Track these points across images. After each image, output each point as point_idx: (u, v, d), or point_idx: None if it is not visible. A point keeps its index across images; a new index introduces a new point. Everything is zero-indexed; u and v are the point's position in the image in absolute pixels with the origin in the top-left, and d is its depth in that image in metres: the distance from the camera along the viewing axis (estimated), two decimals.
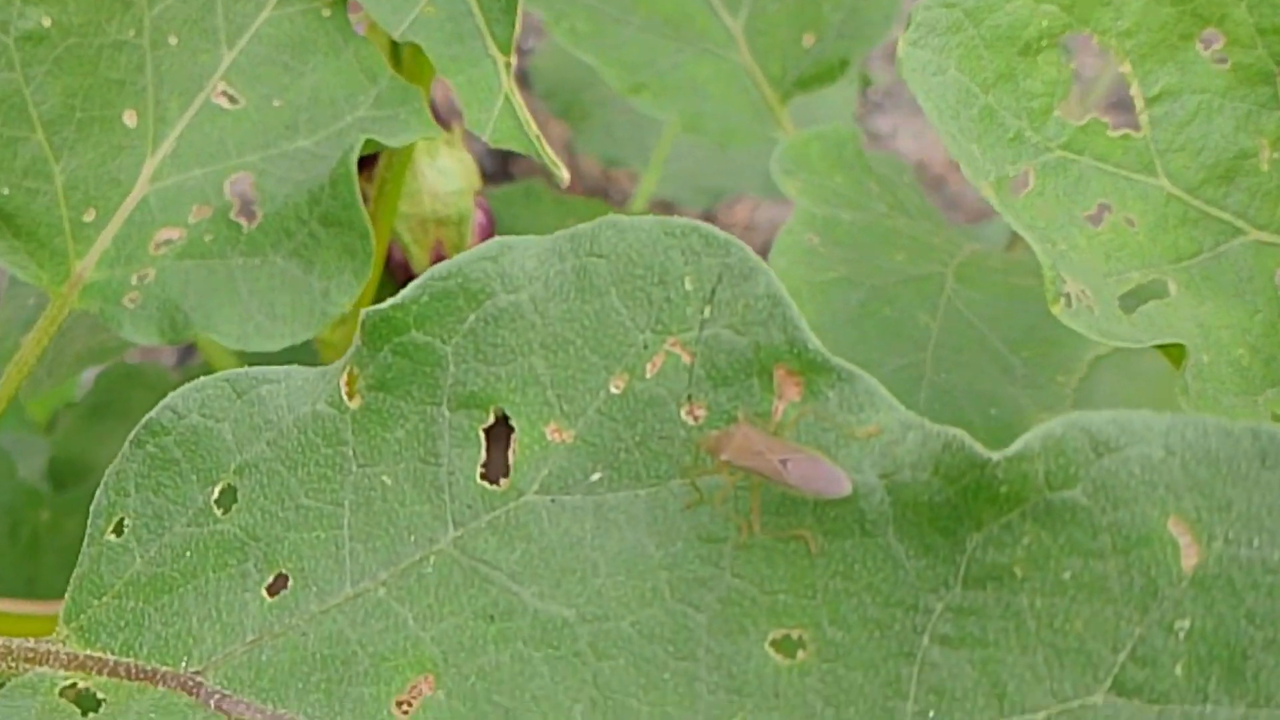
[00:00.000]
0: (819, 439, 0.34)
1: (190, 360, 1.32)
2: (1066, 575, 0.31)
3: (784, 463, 0.33)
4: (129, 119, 0.58)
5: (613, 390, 0.36)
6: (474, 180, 0.85)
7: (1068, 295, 0.52)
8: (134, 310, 0.56)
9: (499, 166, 1.53)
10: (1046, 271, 0.52)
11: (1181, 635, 0.30)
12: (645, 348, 0.35)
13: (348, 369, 0.38)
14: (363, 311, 0.37)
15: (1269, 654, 0.30)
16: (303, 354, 0.75)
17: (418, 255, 0.84)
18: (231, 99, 0.60)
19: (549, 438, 0.36)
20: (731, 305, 0.35)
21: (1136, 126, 0.56)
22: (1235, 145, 0.56)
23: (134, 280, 0.56)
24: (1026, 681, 0.31)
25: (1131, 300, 0.54)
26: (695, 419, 0.35)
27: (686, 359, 0.35)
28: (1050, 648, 0.31)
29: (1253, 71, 0.56)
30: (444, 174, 0.84)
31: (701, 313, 0.35)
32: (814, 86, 0.90)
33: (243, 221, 0.58)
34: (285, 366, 0.39)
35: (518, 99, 0.62)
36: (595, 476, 0.35)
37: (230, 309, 0.56)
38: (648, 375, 0.35)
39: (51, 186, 0.56)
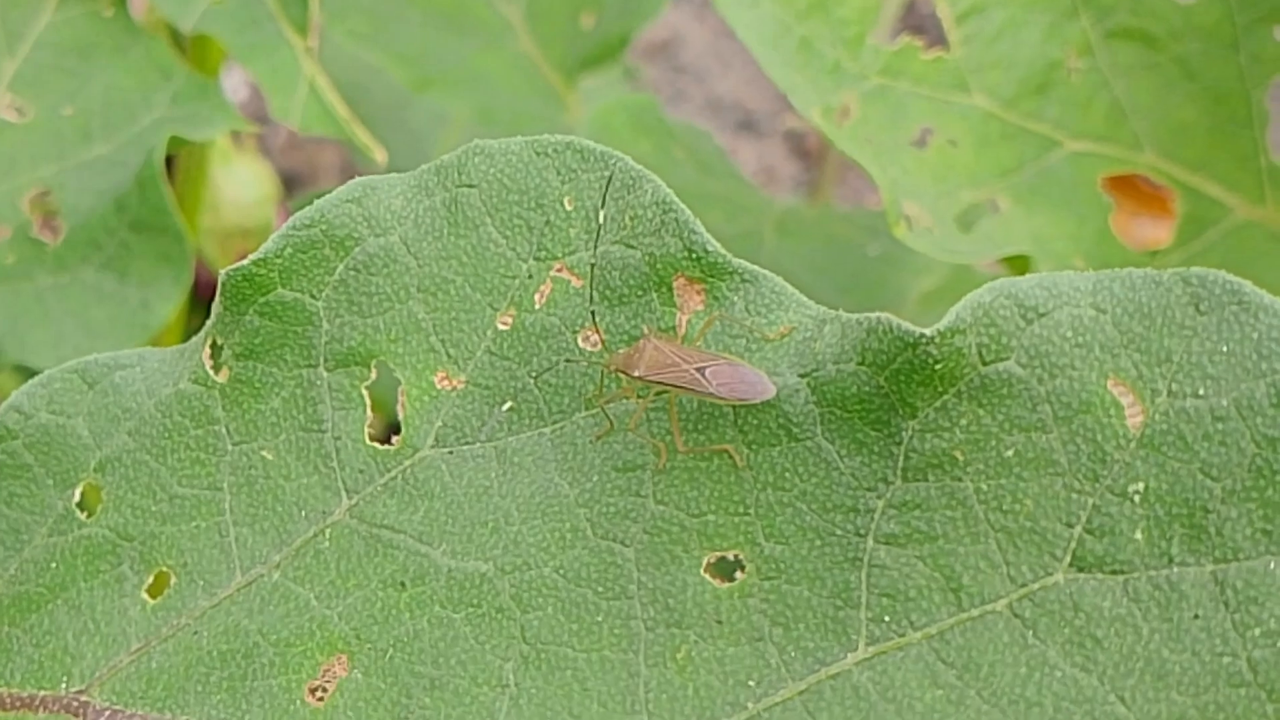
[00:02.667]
0: (730, 346, 0.32)
1: None
2: (1010, 453, 0.30)
3: (701, 370, 0.31)
4: None
5: (500, 327, 0.33)
6: (273, 188, 0.83)
7: (907, 218, 0.52)
8: None
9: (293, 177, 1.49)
10: (885, 196, 0.52)
11: (1137, 499, 0.29)
12: (530, 277, 0.33)
13: (209, 339, 0.35)
14: (222, 272, 0.34)
15: (1230, 505, 0.28)
16: None
17: (223, 268, 0.81)
18: (19, 111, 0.57)
19: (438, 386, 0.33)
20: (618, 219, 0.33)
21: (948, 46, 0.56)
22: (1044, 57, 0.56)
23: None
24: (982, 571, 0.30)
25: (965, 223, 0.55)
26: (594, 345, 0.33)
27: (576, 283, 0.33)
28: (1002, 532, 0.30)
29: None
30: (243, 184, 0.82)
31: (587, 232, 0.33)
32: (597, 66, 0.90)
33: (46, 238, 0.54)
34: (139, 349, 0.36)
35: (322, 82, 0.60)
36: (505, 417, 0.32)
37: (43, 331, 0.53)
38: (537, 306, 0.33)
39: None
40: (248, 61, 0.60)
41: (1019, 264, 0.53)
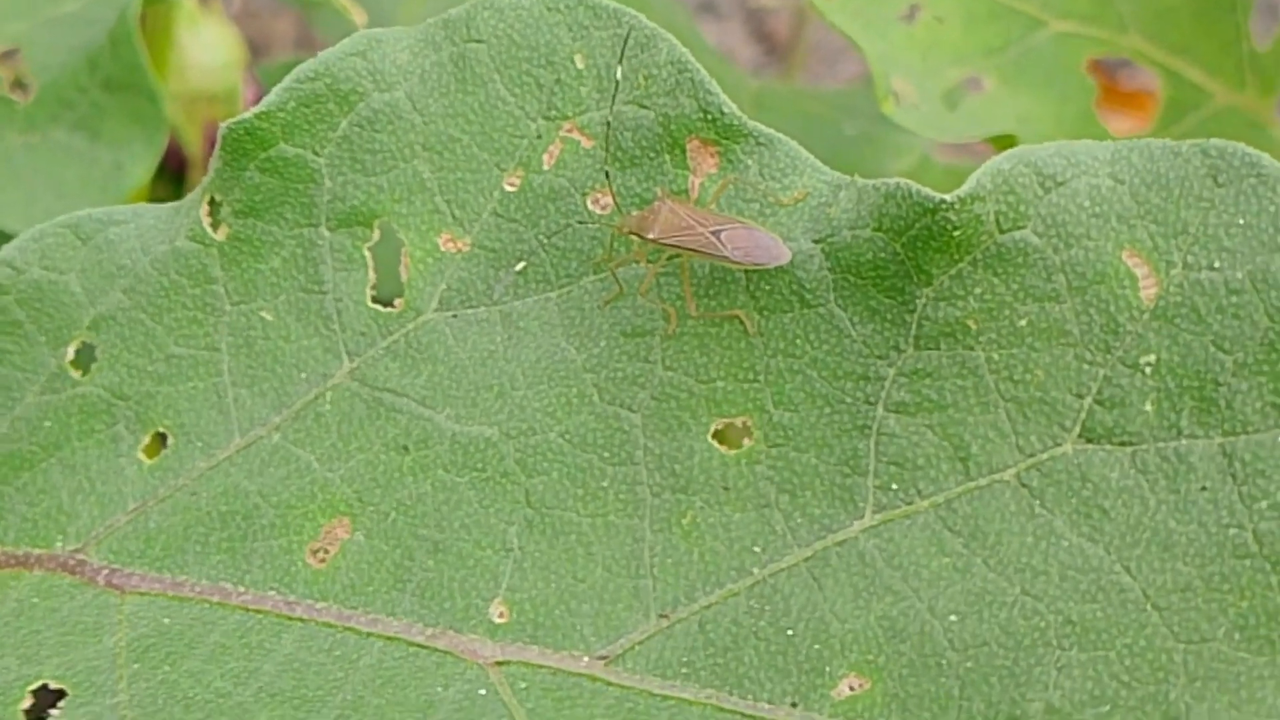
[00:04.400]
0: (743, 210, 0.31)
1: None
2: (1023, 323, 0.30)
3: (717, 234, 0.30)
4: None
5: (507, 188, 0.33)
6: (240, 53, 0.81)
7: (895, 94, 0.52)
8: None
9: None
10: (875, 70, 0.52)
11: (1148, 371, 0.29)
12: (539, 137, 0.33)
13: (208, 196, 0.34)
14: (222, 125, 0.33)
15: (1241, 378, 0.29)
16: None
17: (189, 136, 0.80)
18: None
19: (443, 248, 0.33)
20: (631, 78, 0.32)
21: None
22: None
23: None
24: (990, 440, 0.30)
25: (952, 99, 0.55)
26: (603, 208, 0.32)
27: (586, 144, 0.32)
28: (1012, 401, 0.30)
29: None
30: (208, 48, 0.80)
31: (599, 91, 0.32)
32: None
33: (16, 96, 0.53)
34: (133, 205, 0.35)
35: None
36: (512, 278, 0.32)
37: (12, 191, 0.52)
38: (545, 167, 0.33)
39: None
40: None
41: (1004, 143, 0.53)
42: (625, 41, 0.31)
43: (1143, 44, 0.57)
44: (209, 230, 0.34)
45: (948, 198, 0.29)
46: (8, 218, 0.52)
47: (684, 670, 0.30)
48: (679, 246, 0.31)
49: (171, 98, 0.78)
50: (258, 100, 0.83)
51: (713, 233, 0.30)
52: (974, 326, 0.30)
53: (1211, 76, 0.57)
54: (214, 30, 0.79)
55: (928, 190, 0.29)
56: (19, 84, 0.55)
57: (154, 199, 0.59)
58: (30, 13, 0.55)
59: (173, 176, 0.81)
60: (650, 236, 0.31)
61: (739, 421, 0.31)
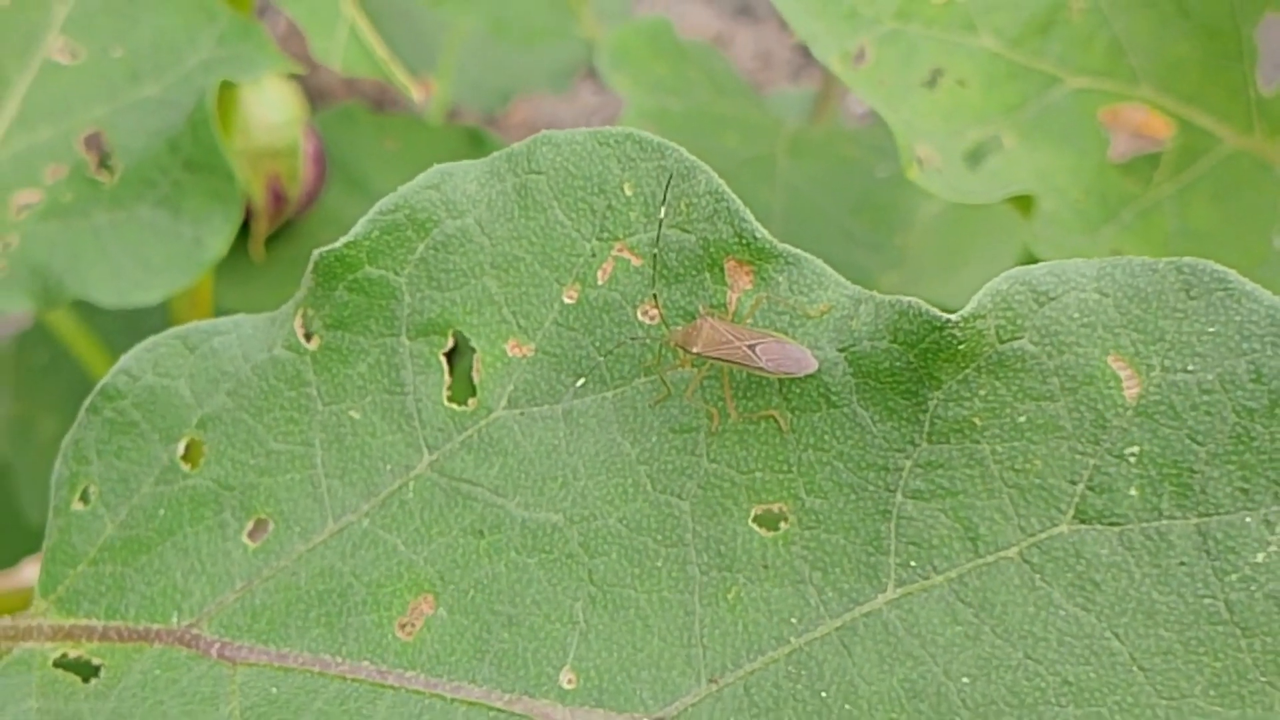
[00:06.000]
0: (775, 322, 0.36)
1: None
2: (1022, 419, 0.34)
3: (752, 348, 0.35)
4: None
5: (567, 301, 0.37)
6: (300, 109, 0.85)
7: (919, 160, 0.55)
8: (2, 279, 0.55)
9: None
10: (899, 138, 0.55)
11: (1132, 460, 0.33)
12: (594, 256, 0.37)
13: (301, 310, 0.38)
14: (315, 252, 0.37)
15: (1213, 467, 0.33)
16: (153, 314, 0.75)
17: (254, 190, 0.84)
18: (71, 53, 0.59)
19: (510, 354, 0.37)
20: (674, 205, 0.36)
21: None
22: None
23: None
24: (996, 522, 0.34)
25: (973, 160, 0.58)
26: (651, 319, 0.37)
27: (636, 262, 0.37)
28: (1014, 488, 0.34)
29: None
30: (271, 106, 0.84)
31: (646, 216, 0.36)
32: None
33: (102, 177, 0.57)
34: (234, 316, 0.39)
35: (362, 24, 0.63)
36: (575, 384, 0.36)
37: (102, 266, 0.56)
38: (599, 282, 0.37)
39: None
40: (288, 3, 0.62)
41: (1024, 203, 0.57)
42: (669, 178, 0.36)
43: (1155, 94, 0.60)
44: (302, 341, 0.38)
45: (952, 317, 0.33)
46: (98, 290, 0.57)
47: None
48: (720, 359, 0.35)
49: (236, 154, 0.83)
50: (317, 150, 0.88)
51: (749, 347, 0.35)
52: (979, 423, 0.34)
53: (1221, 122, 0.60)
54: (275, 89, 0.83)
55: (935, 310, 0.34)
56: (105, 165, 0.59)
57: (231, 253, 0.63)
58: (112, 97, 0.59)
59: (240, 226, 0.86)
60: (694, 350, 0.35)
61: (775, 507, 0.35)
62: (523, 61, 1.17)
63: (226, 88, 0.75)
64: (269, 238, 0.87)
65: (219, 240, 0.57)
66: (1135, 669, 0.33)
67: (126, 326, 0.85)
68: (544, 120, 1.60)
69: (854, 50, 0.58)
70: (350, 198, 0.91)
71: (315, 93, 1.54)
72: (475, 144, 0.97)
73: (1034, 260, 0.55)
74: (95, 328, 0.81)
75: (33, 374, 0.94)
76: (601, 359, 0.37)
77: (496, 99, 1.20)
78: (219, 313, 0.78)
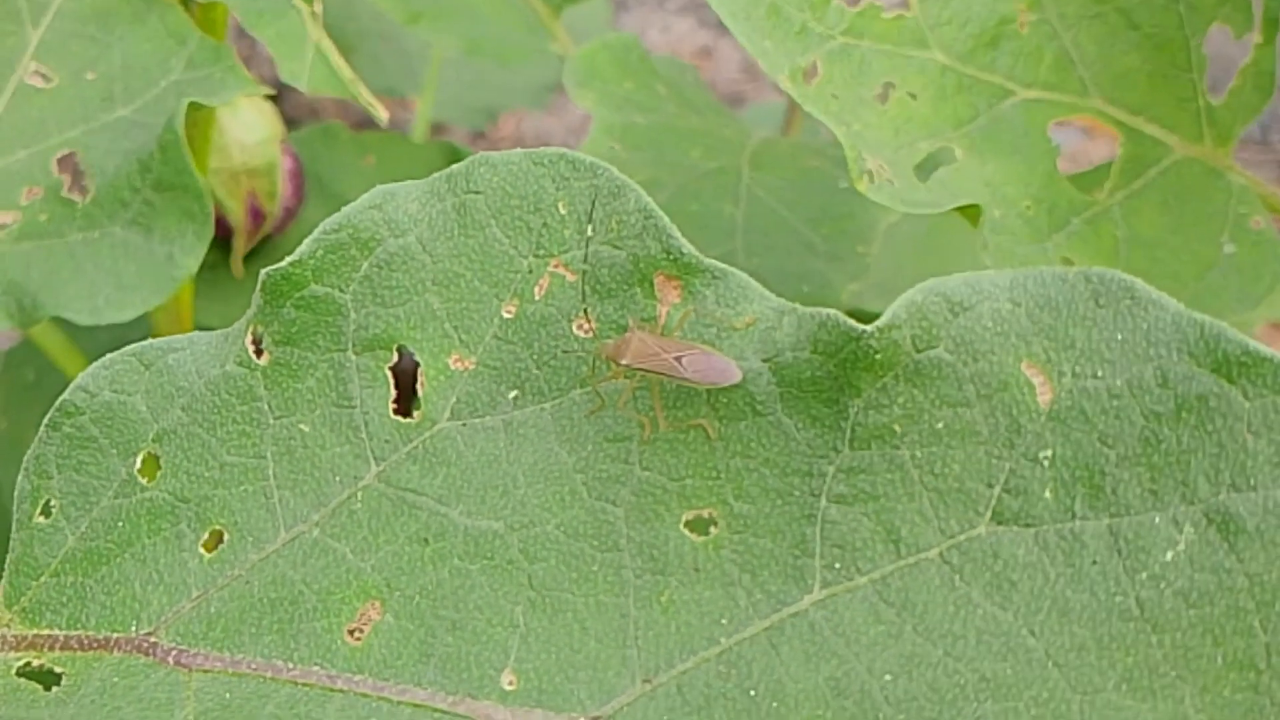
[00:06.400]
0: (702, 334, 0.37)
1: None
2: (940, 425, 0.35)
3: (679, 359, 0.36)
4: None
5: (505, 315, 0.38)
6: (278, 128, 0.86)
7: (869, 172, 0.56)
8: None
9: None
10: (849, 152, 0.56)
11: (1046, 464, 0.34)
12: (530, 272, 0.38)
13: (251, 328, 0.40)
14: (262, 271, 0.39)
15: (1123, 469, 0.34)
16: (137, 330, 0.76)
17: (232, 208, 0.85)
18: (45, 77, 0.60)
19: (452, 367, 0.39)
20: (606, 223, 0.38)
21: (908, 6, 0.60)
22: (996, 13, 0.60)
23: None
24: (917, 525, 0.35)
25: (924, 170, 0.59)
26: (586, 331, 0.38)
27: (570, 278, 0.38)
28: (934, 491, 0.35)
29: None
30: (248, 126, 0.85)
31: (579, 233, 0.38)
32: None
33: (75, 197, 0.58)
34: (187, 334, 0.41)
35: (328, 45, 0.64)
36: (512, 395, 0.37)
37: (77, 285, 0.57)
38: (536, 297, 0.38)
39: None
40: (256, 27, 0.63)
41: (971, 213, 0.58)
42: (595, 193, 0.37)
43: (1104, 105, 0.62)
44: (253, 357, 0.40)
45: (868, 328, 0.35)
46: (73, 309, 0.58)
47: None
48: (648, 370, 0.36)
49: (214, 173, 0.84)
50: (294, 167, 0.89)
51: (675, 358, 0.36)
52: (899, 430, 0.35)
53: (1170, 131, 0.62)
54: (253, 109, 0.85)
55: (851, 321, 0.35)
56: (78, 185, 0.60)
57: (203, 267, 0.65)
58: (85, 119, 0.61)
59: (218, 243, 0.87)
60: (624, 362, 0.36)
61: (706, 513, 0.37)
62: (504, 78, 1.19)
63: (202, 109, 0.76)
64: (249, 254, 0.88)
65: (191, 258, 0.59)
66: (1050, 665, 0.34)
67: (113, 344, 0.86)
68: (531, 135, 1.62)
69: (805, 66, 0.59)
70: (328, 213, 0.92)
71: (307, 111, 1.56)
72: (453, 159, 0.98)
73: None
74: (81, 345, 0.82)
75: (20, 390, 0.95)
76: (539, 371, 0.38)
77: (481, 115, 1.22)
78: (199, 328, 0.80)
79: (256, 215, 0.86)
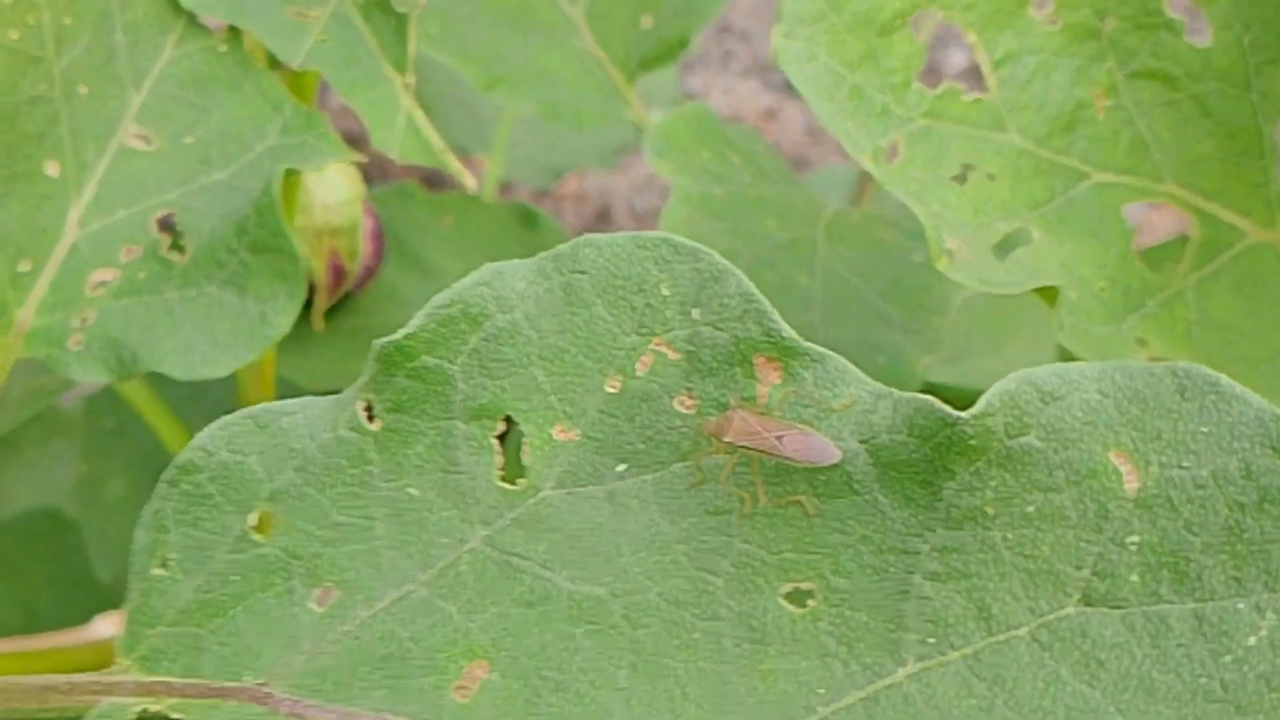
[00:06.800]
0: (801, 415, 0.39)
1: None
2: (1031, 509, 0.37)
3: (779, 438, 0.38)
4: (51, 169, 0.60)
5: (609, 390, 0.40)
6: (360, 189, 0.88)
7: (949, 251, 0.58)
8: (79, 352, 0.58)
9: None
10: (929, 232, 0.57)
11: (1133, 549, 0.36)
12: (633, 349, 0.40)
13: (363, 395, 0.42)
14: (375, 343, 0.41)
15: (1208, 556, 0.35)
16: (218, 382, 0.78)
17: (315, 266, 0.87)
18: (145, 140, 0.62)
19: (557, 438, 0.40)
20: (708, 305, 0.39)
21: (987, 90, 0.61)
22: (1073, 98, 0.62)
23: (75, 323, 0.59)
24: (1008, 603, 0.37)
25: (1001, 250, 0.60)
26: (687, 408, 0.40)
27: (673, 356, 0.40)
28: (1024, 572, 0.37)
29: (1081, 29, 0.62)
30: (331, 187, 0.87)
31: (681, 313, 0.39)
32: (656, 66, 0.94)
33: (174, 256, 0.60)
34: (300, 399, 0.43)
35: (419, 115, 0.66)
36: (619, 468, 0.39)
37: (173, 341, 0.59)
38: (639, 374, 0.40)
39: None
40: (350, 95, 0.65)
41: (1049, 294, 0.59)
42: (697, 276, 0.39)
43: (1178, 190, 0.63)
44: (365, 423, 0.42)
45: (964, 415, 0.36)
46: (169, 364, 0.60)
47: None
48: (749, 448, 0.38)
49: (299, 231, 0.86)
50: (375, 227, 0.91)
51: (776, 437, 0.38)
52: (991, 512, 0.37)
53: (1243, 216, 0.63)
54: (336, 170, 0.87)
55: (947, 408, 0.37)
56: (176, 246, 0.62)
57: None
58: (183, 181, 0.63)
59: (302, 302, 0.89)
60: (726, 439, 0.38)
61: (804, 585, 0.38)
62: (574, 140, 1.21)
63: (290, 171, 0.78)
64: (329, 310, 0.90)
65: (283, 318, 0.60)
66: None
67: (194, 393, 0.88)
68: (596, 192, 1.64)
69: (886, 146, 0.61)
70: (406, 272, 0.94)
71: (376, 169, 1.59)
72: (527, 220, 1.00)
73: (1064, 348, 0.58)
74: (162, 394, 0.84)
75: (101, 437, 0.97)
76: (642, 445, 0.40)
77: (548, 175, 1.24)
78: (280, 382, 0.82)
79: (338, 273, 0.88)
